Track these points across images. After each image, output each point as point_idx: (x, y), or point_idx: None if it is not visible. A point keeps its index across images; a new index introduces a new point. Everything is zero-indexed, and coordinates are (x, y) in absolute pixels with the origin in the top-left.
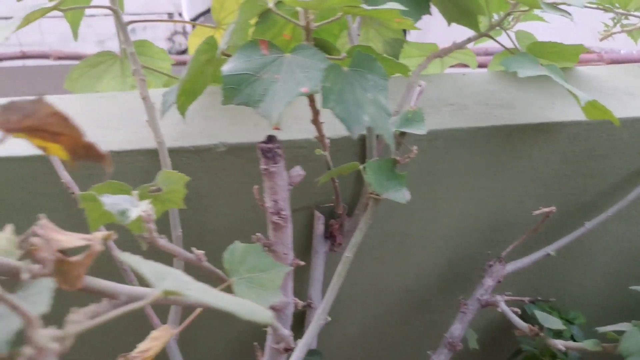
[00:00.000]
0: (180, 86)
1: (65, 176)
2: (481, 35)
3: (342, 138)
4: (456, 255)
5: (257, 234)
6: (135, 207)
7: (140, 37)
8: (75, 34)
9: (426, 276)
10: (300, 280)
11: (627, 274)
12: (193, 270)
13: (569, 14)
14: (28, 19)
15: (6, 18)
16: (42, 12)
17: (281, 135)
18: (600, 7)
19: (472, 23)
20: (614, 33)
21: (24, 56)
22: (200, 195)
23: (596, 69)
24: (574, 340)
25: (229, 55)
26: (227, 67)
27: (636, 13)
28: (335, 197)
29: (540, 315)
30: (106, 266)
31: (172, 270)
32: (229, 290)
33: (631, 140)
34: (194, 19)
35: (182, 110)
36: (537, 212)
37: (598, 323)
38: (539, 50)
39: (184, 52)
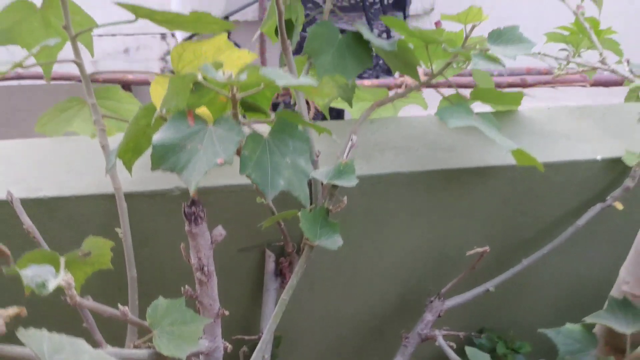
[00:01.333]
0: (119, 148)
1: (26, 220)
2: (422, 84)
3: None
4: (404, 288)
5: (186, 286)
6: (54, 278)
7: (134, 57)
8: (47, 76)
9: (378, 307)
10: (254, 315)
11: (573, 305)
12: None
13: (503, 65)
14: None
15: None
16: (13, 67)
17: (233, 180)
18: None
19: (413, 73)
20: (569, 73)
21: (19, 77)
22: (156, 237)
23: (539, 112)
24: None
25: (165, 119)
26: (156, 137)
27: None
28: (283, 237)
29: (470, 351)
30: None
31: (74, 341)
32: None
33: (565, 182)
34: (187, 39)
35: (128, 166)
36: (471, 252)
37: (548, 354)
38: (483, 96)
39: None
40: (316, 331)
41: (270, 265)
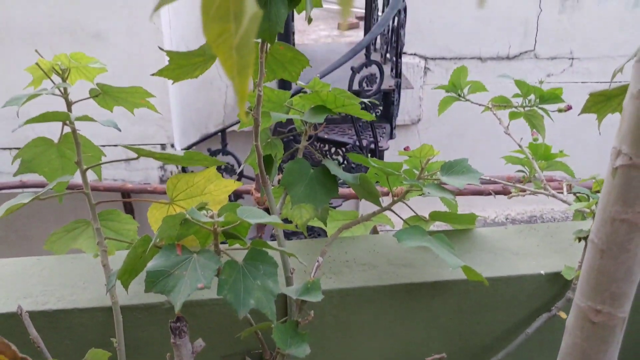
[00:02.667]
0: (120, 271)
1: (32, 332)
2: (383, 209)
3: None
4: None
5: None
6: None
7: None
8: (60, 201)
9: None
10: None
11: None
12: None
13: (453, 195)
14: (10, 210)
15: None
16: (21, 205)
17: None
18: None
19: (375, 201)
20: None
21: (23, 185)
22: (149, 345)
23: (493, 231)
24: None
25: (159, 247)
26: (150, 265)
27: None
28: (261, 346)
29: None
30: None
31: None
32: None
33: (514, 294)
34: (186, 148)
35: (126, 285)
36: (429, 359)
37: None
38: (441, 217)
39: None
40: None
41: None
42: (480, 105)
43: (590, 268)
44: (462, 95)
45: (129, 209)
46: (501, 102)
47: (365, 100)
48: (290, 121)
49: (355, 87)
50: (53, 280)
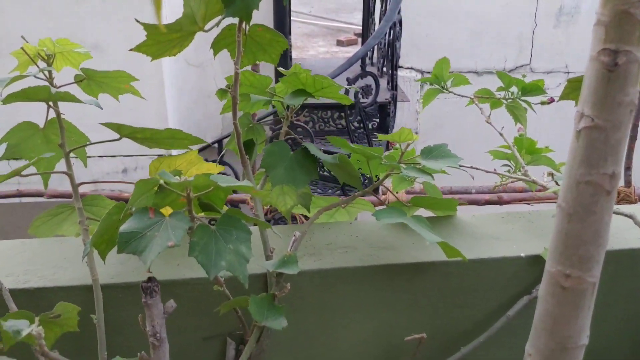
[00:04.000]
0: (94, 238)
1: (12, 307)
2: (364, 192)
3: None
4: None
5: (142, 352)
6: (27, 328)
7: (131, 177)
8: (45, 185)
9: None
10: None
11: None
12: None
13: (432, 176)
14: None
15: None
16: (10, 174)
17: (198, 274)
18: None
19: (357, 184)
20: (511, 181)
21: (20, 194)
22: (129, 324)
23: (474, 217)
24: None
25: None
26: (123, 227)
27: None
28: (241, 325)
29: None
30: None
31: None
32: None
33: (494, 277)
34: None
35: (103, 255)
36: (409, 338)
37: None
38: (422, 202)
39: None
40: None
41: (230, 352)
42: (464, 97)
43: (559, 233)
44: (445, 87)
45: None
46: (484, 95)
47: (347, 86)
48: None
49: (351, 98)
50: (36, 260)
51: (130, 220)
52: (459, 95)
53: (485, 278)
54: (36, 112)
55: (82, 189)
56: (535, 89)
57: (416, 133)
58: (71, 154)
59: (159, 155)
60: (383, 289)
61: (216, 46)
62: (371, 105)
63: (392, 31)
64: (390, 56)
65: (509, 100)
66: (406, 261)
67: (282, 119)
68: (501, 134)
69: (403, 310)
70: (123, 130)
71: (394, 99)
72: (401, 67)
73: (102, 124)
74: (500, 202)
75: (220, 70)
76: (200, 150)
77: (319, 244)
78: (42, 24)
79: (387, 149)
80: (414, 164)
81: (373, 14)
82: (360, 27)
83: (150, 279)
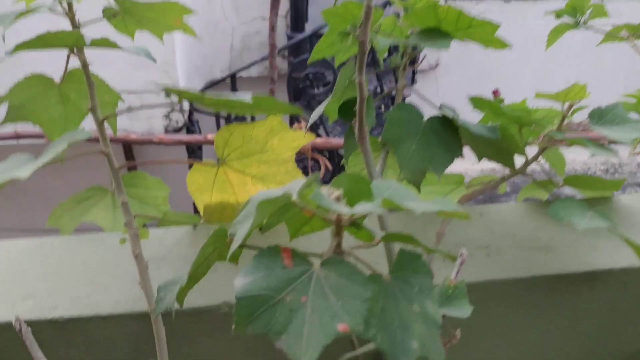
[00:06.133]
0: (179, 292)
1: (38, 357)
2: (517, 172)
3: None
4: None
5: None
6: None
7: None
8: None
9: None
10: None
11: None
12: None
13: (615, 153)
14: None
15: None
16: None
17: None
18: None
19: (508, 161)
20: None
21: (18, 136)
22: (199, 358)
23: (636, 198)
24: None
25: (243, 247)
26: (240, 284)
27: None
28: None
29: None
30: None
31: None
32: None
33: None
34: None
35: (181, 300)
36: None
37: None
38: (577, 182)
39: (180, 129)
40: None
41: None
42: (604, 32)
43: None
44: (582, 21)
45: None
46: (636, 31)
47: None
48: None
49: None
50: (62, 272)
51: (251, 271)
52: (601, 32)
53: None
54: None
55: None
56: None
57: (437, 66)
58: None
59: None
60: (536, 306)
61: None
62: None
63: None
64: None
65: None
66: (570, 269)
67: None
68: None
69: (560, 330)
70: (185, 94)
71: None
72: None
73: (167, 89)
74: None
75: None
76: (210, 86)
77: (448, 243)
78: (47, 18)
79: (412, 81)
80: (584, 131)
81: None
82: None
83: None
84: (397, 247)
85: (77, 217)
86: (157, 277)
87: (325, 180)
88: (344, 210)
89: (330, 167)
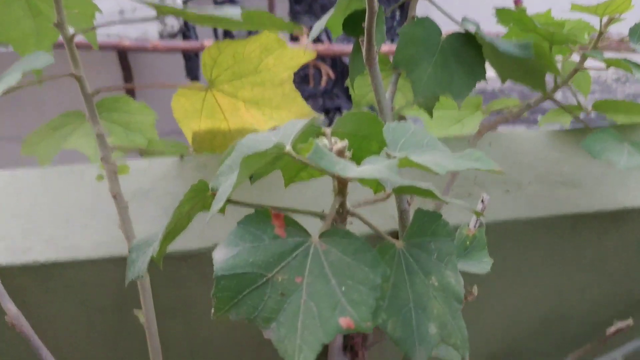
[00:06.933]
0: (156, 254)
1: (11, 310)
2: (547, 97)
3: None
4: (503, 355)
5: None
6: None
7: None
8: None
9: None
10: None
11: None
12: None
13: None
14: None
15: None
16: None
17: None
18: None
19: (537, 84)
20: None
21: None
22: (188, 306)
23: None
24: None
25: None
26: (221, 258)
27: None
28: None
29: None
30: None
31: None
32: None
33: None
34: (186, 2)
35: (159, 259)
36: (611, 330)
37: None
38: (608, 107)
39: (175, 35)
40: None
41: (336, 338)
42: None
43: None
44: None
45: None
46: None
47: None
48: None
49: None
50: (37, 210)
51: (234, 240)
52: None
53: None
54: None
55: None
56: None
57: None
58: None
59: None
60: (558, 246)
61: None
62: None
63: None
64: None
65: None
66: (597, 207)
67: None
68: None
69: (581, 271)
70: (164, 9)
71: None
72: None
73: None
74: None
75: None
76: None
77: (463, 177)
78: None
79: None
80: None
81: None
82: None
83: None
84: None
85: (55, 144)
86: (139, 216)
87: (327, 90)
88: (351, 173)
89: (332, 75)
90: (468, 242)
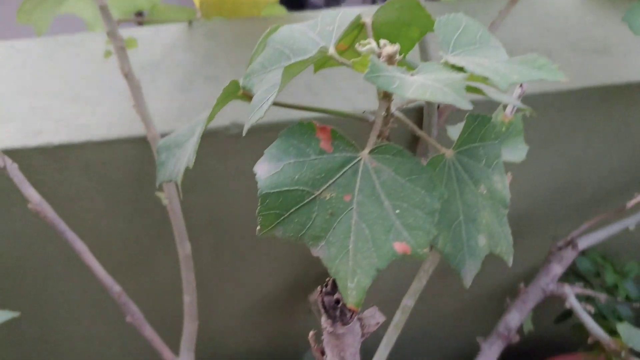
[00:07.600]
0: (192, 157)
1: (33, 197)
2: None
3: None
4: (523, 227)
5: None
6: None
7: None
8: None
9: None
10: None
11: None
12: None
13: None
14: None
15: None
16: None
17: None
18: None
19: None
20: None
21: None
22: (208, 182)
23: None
24: (628, 298)
25: (249, 97)
26: (265, 175)
27: None
28: None
29: (623, 329)
30: None
31: None
32: None
33: None
34: None
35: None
36: (631, 202)
37: None
38: None
39: None
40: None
41: None
42: None
43: None
44: None
45: None
46: None
47: None
48: None
49: None
50: (42, 87)
51: (277, 154)
52: None
53: None
54: None
55: None
56: None
57: None
58: None
59: None
60: (584, 117)
61: None
62: None
63: None
64: None
65: None
66: (627, 78)
67: None
68: None
69: (603, 141)
70: None
71: None
72: None
73: None
74: None
75: None
76: None
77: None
78: None
79: None
80: None
81: None
82: None
83: (334, 285)
84: None
85: (50, 9)
86: (152, 90)
87: None
88: (411, 93)
89: None
90: (504, 129)
